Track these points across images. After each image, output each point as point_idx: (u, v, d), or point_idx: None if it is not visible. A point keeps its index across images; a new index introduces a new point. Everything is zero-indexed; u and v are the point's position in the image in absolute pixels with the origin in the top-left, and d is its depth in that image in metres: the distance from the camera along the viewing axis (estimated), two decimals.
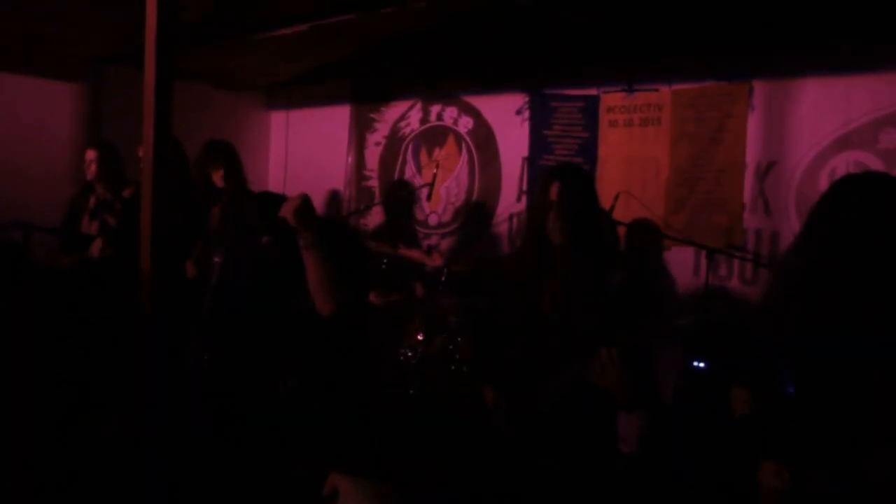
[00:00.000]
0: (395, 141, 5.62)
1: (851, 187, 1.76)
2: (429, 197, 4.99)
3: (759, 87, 4.02)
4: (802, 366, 1.74)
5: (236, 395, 2.41)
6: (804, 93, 3.88)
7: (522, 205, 4.92)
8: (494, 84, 5.03)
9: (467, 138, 5.25)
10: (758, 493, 1.74)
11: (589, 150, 4.64)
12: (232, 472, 2.32)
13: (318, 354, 2.26)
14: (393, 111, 5.63)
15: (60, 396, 2.32)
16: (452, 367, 4.10)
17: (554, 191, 2.23)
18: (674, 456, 2.97)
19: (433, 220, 5.43)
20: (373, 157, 5.75)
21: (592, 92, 4.61)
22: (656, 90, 4.36)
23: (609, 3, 3.67)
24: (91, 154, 4.07)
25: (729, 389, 1.95)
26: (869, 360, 1.65)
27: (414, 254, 4.74)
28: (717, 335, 3.43)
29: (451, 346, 4.15)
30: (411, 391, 4.05)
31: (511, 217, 4.99)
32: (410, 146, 5.54)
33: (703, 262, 3.86)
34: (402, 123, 5.58)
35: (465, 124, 5.25)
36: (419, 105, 5.48)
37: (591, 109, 4.64)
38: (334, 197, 5.95)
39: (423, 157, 5.46)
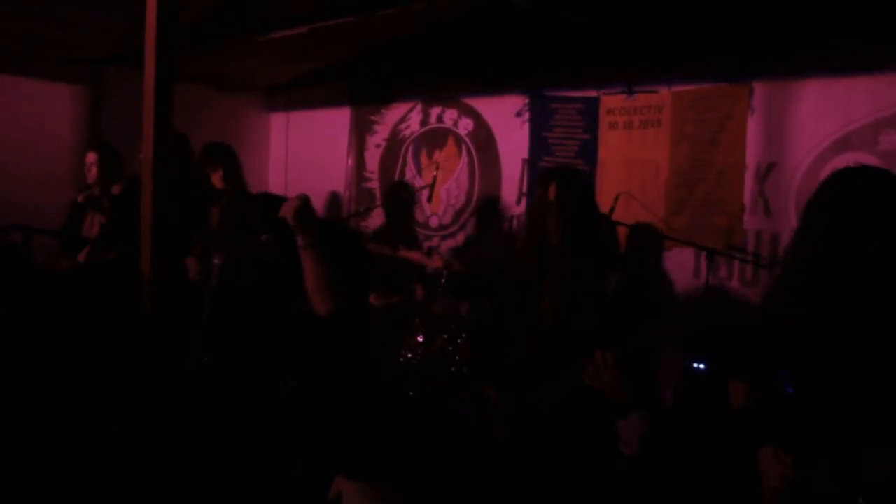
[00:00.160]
0: (395, 143, 5.62)
1: (846, 181, 1.75)
2: (429, 199, 4.99)
3: (759, 89, 4.02)
4: (801, 363, 1.74)
5: (237, 397, 2.41)
6: (804, 94, 3.88)
7: (522, 207, 4.92)
8: (494, 86, 5.04)
9: (467, 140, 5.25)
10: (758, 492, 1.73)
11: (589, 151, 4.64)
12: (234, 475, 2.31)
13: (316, 356, 2.26)
14: (393, 113, 5.63)
15: (61, 398, 2.32)
16: (453, 369, 4.10)
17: (552, 192, 2.24)
18: (674, 457, 2.97)
19: (433, 221, 5.43)
20: (373, 158, 5.75)
21: (592, 94, 4.62)
22: (656, 92, 4.36)
23: (609, 3, 3.67)
24: (91, 157, 4.08)
25: (727, 386, 1.96)
26: (867, 357, 1.65)
27: (414, 255, 4.74)
28: (717, 336, 3.42)
29: (451, 348, 4.15)
30: (412, 393, 4.05)
31: (511, 219, 4.99)
32: (410, 148, 5.54)
33: (704, 263, 3.86)
34: (403, 125, 5.58)
35: (466, 126, 5.25)
36: (419, 107, 5.48)
37: (591, 111, 4.64)
38: (334, 199, 5.95)
39: (424, 158, 5.46)
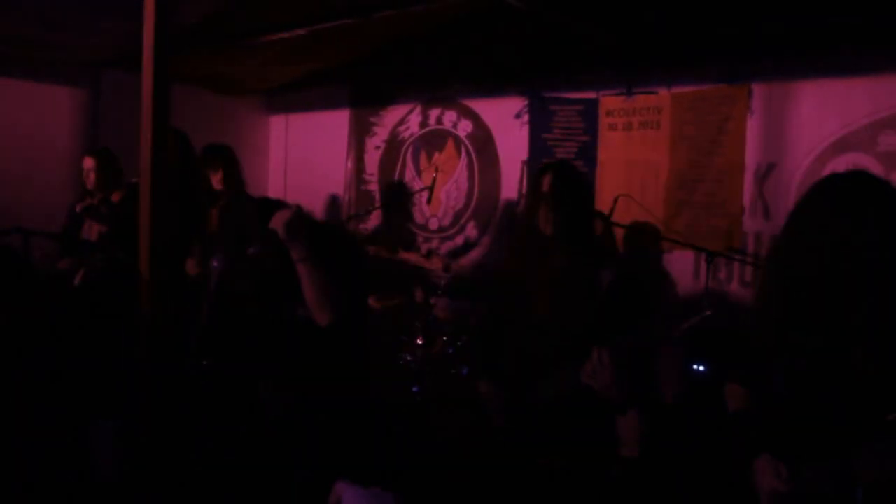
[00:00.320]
0: (394, 145, 5.62)
1: (833, 187, 1.76)
2: (429, 200, 4.99)
3: (758, 90, 4.02)
4: (793, 363, 1.74)
5: (236, 400, 2.40)
6: (803, 95, 3.88)
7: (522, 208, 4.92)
8: (494, 88, 5.04)
9: (467, 142, 5.25)
10: (756, 493, 1.73)
11: (588, 153, 4.64)
12: (233, 479, 2.31)
13: (314, 362, 2.25)
14: (392, 115, 5.63)
15: (60, 401, 2.31)
16: (453, 371, 4.09)
17: (546, 183, 2.24)
18: (674, 459, 2.96)
19: (433, 223, 5.42)
20: (372, 161, 5.75)
21: (591, 95, 4.62)
22: (655, 93, 4.36)
23: (609, 5, 3.66)
24: (89, 163, 4.07)
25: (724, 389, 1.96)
26: (857, 357, 1.65)
27: (413, 258, 4.73)
28: (717, 338, 3.42)
29: (451, 350, 4.15)
30: (412, 395, 4.04)
31: (511, 220, 4.99)
32: (410, 150, 5.54)
33: (703, 264, 3.85)
34: (402, 127, 5.58)
35: (465, 128, 5.25)
36: (418, 109, 5.49)
37: (590, 113, 4.64)
38: (334, 201, 5.95)
39: (423, 160, 5.46)
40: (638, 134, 4.45)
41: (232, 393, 2.40)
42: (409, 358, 4.16)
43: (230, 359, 2.41)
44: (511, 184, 5.02)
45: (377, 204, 5.65)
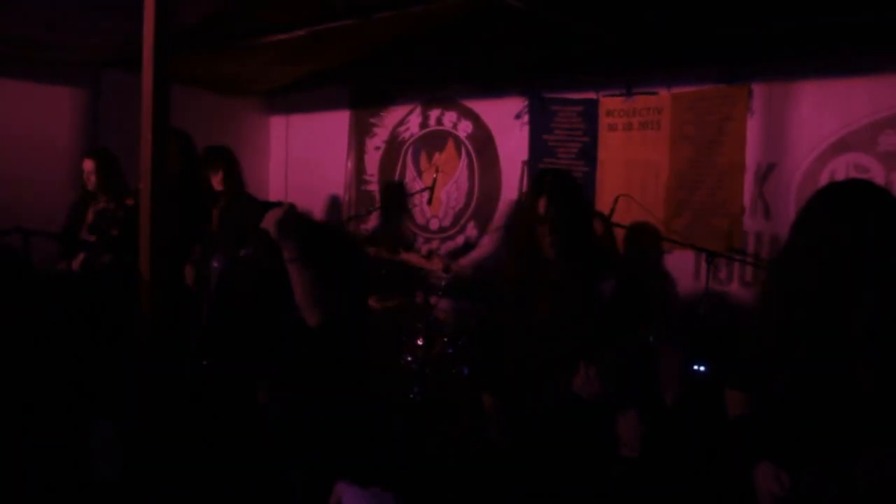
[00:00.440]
0: (394, 145, 5.62)
1: (836, 195, 1.77)
2: (429, 201, 4.99)
3: (759, 90, 4.01)
4: (794, 369, 1.74)
5: (236, 401, 2.40)
6: (803, 95, 3.88)
7: None
8: (494, 88, 5.04)
9: (467, 142, 5.25)
10: (755, 495, 1.73)
11: (589, 153, 4.64)
12: (234, 480, 2.31)
13: (313, 364, 2.25)
14: (392, 116, 5.63)
15: (59, 401, 2.31)
16: (453, 372, 4.09)
17: (541, 206, 2.19)
18: (674, 459, 2.96)
19: (434, 224, 5.42)
20: (372, 161, 5.75)
21: (592, 96, 4.62)
22: (655, 93, 4.36)
23: (609, 5, 3.67)
24: (89, 164, 4.07)
25: (724, 392, 1.96)
26: (858, 363, 1.66)
27: (414, 258, 4.73)
28: (717, 338, 3.42)
29: (451, 351, 4.15)
30: (412, 396, 4.04)
31: (511, 221, 4.99)
32: (410, 150, 5.54)
33: (704, 265, 3.85)
34: (402, 128, 5.58)
35: (465, 128, 5.25)
36: (418, 109, 5.49)
37: (590, 113, 4.64)
38: (334, 201, 5.95)
39: (423, 161, 5.46)
40: (638, 134, 4.45)
41: (232, 393, 2.40)
42: (409, 358, 4.16)
43: (230, 359, 2.41)
44: (511, 184, 5.02)
45: (377, 205, 5.65)
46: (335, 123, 5.92)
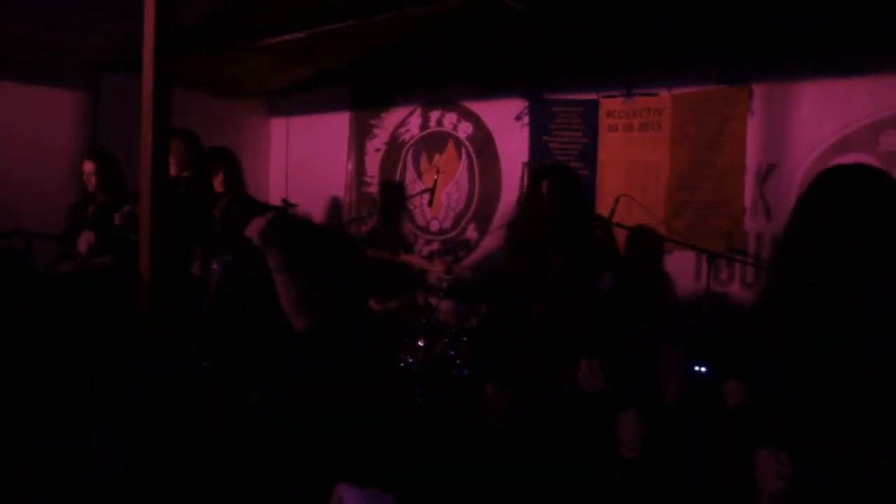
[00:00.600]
0: (394, 147, 5.62)
1: (835, 178, 1.76)
2: (430, 203, 4.99)
3: (759, 91, 4.01)
4: (794, 356, 1.74)
5: (236, 402, 2.40)
6: (804, 96, 3.88)
7: None
8: (494, 89, 5.04)
9: (467, 144, 5.25)
10: (757, 493, 1.73)
11: (589, 154, 4.64)
12: (235, 481, 2.31)
13: (296, 366, 2.24)
14: (392, 117, 5.63)
15: (60, 402, 2.32)
16: (454, 373, 4.09)
17: (544, 188, 2.24)
18: (675, 459, 2.96)
19: (434, 225, 5.42)
20: (373, 163, 5.75)
21: (592, 96, 4.62)
22: (655, 94, 4.36)
23: (609, 6, 3.67)
24: (89, 166, 4.08)
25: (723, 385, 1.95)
26: (858, 350, 1.65)
27: (415, 259, 4.73)
28: (718, 339, 3.41)
29: (452, 352, 4.14)
30: (413, 397, 4.04)
31: (511, 222, 4.99)
32: (410, 152, 5.54)
33: (704, 265, 3.85)
34: (402, 129, 5.58)
35: (465, 130, 5.25)
36: (419, 111, 5.49)
37: (590, 114, 4.64)
38: (335, 203, 5.95)
39: (424, 162, 5.46)
40: (638, 135, 4.45)
41: (232, 394, 2.40)
42: (410, 360, 4.16)
43: (229, 361, 2.41)
44: (511, 185, 5.02)
45: (378, 206, 5.65)
46: (335, 125, 5.93)
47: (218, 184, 3.81)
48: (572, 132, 4.72)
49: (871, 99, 3.66)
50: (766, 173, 4.00)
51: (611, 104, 4.55)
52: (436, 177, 5.00)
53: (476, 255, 5.18)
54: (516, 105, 4.95)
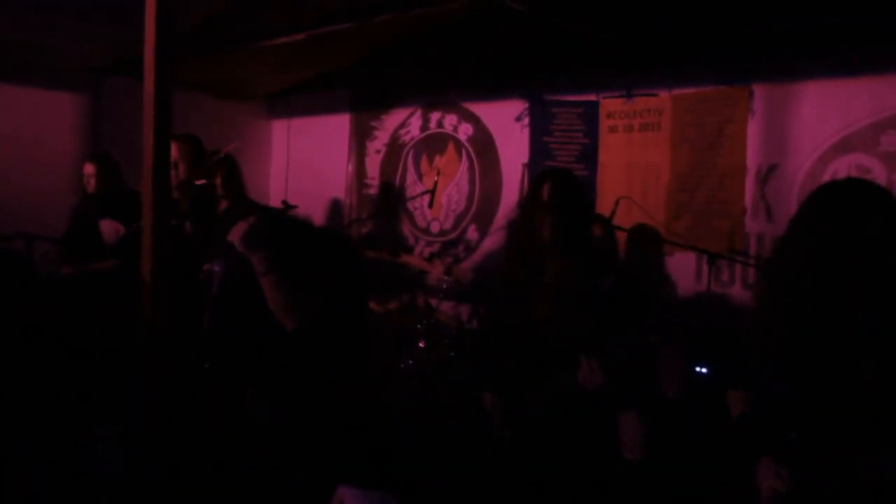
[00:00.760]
0: (395, 148, 5.62)
1: (834, 192, 1.77)
2: (430, 204, 4.99)
3: (760, 91, 4.01)
4: (795, 368, 1.74)
5: (237, 405, 2.40)
6: (805, 96, 3.88)
7: None
8: (494, 91, 5.04)
9: (467, 145, 5.25)
10: (757, 495, 1.73)
11: (589, 155, 4.64)
12: (234, 485, 2.31)
13: (288, 367, 2.24)
14: (393, 119, 5.63)
15: (64, 405, 2.32)
16: (454, 375, 4.09)
17: (546, 192, 2.25)
18: (677, 461, 2.96)
19: (435, 227, 5.42)
20: (373, 164, 5.76)
21: (592, 98, 4.62)
22: (656, 95, 4.36)
23: (609, 7, 3.67)
24: (90, 168, 4.09)
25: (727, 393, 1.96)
26: (860, 361, 1.66)
27: (415, 261, 4.73)
28: (719, 340, 3.42)
29: (452, 354, 4.14)
30: (413, 399, 4.04)
31: (512, 223, 4.99)
32: (411, 154, 5.54)
33: (705, 267, 3.85)
34: (402, 131, 5.58)
35: (465, 131, 5.25)
36: (419, 112, 5.49)
37: (590, 115, 4.64)
38: (335, 205, 5.95)
39: (424, 164, 5.46)
40: (639, 136, 4.45)
41: (232, 395, 2.40)
42: (410, 361, 4.16)
43: (230, 362, 2.41)
44: (512, 187, 5.02)
45: (379, 208, 5.65)
46: (336, 127, 5.93)
47: (217, 187, 3.81)
48: (572, 133, 4.72)
49: (872, 99, 3.66)
50: (767, 174, 4.00)
51: (611, 105, 4.55)
52: (436, 178, 5.00)
53: (476, 256, 5.18)
54: (517, 106, 4.95)
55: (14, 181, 4.67)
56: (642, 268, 4.25)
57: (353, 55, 4.82)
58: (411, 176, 5.53)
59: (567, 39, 4.05)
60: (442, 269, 4.44)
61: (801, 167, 3.89)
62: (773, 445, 1.74)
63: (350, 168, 5.89)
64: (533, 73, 4.78)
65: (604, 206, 4.21)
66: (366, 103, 5.77)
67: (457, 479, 2.73)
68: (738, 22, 3.61)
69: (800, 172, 3.89)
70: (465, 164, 5.27)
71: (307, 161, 6.15)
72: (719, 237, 4.10)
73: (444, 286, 4.38)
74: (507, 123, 5.01)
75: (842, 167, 3.76)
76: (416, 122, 5.51)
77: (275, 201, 5.57)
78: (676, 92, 4.29)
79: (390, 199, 5.58)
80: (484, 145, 5.16)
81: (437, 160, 5.38)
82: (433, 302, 4.57)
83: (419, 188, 5.38)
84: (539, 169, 4.81)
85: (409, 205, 5.47)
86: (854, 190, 1.76)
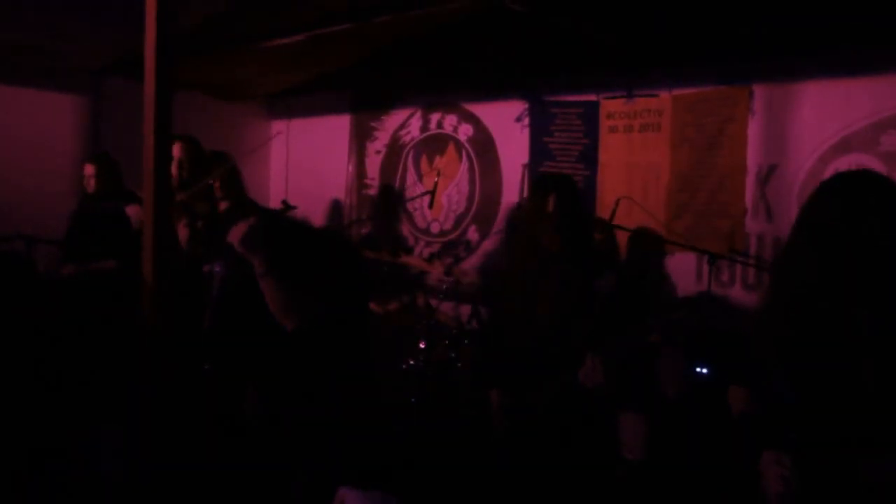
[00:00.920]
0: (395, 149, 5.62)
1: (839, 186, 1.76)
2: (430, 205, 4.99)
3: (760, 91, 4.01)
4: (796, 367, 1.74)
5: (237, 405, 2.40)
6: (805, 96, 3.88)
7: None
8: (494, 91, 5.04)
9: (467, 146, 5.25)
10: (760, 494, 1.73)
11: (589, 156, 4.64)
12: (235, 485, 2.31)
13: (288, 366, 2.24)
14: (393, 119, 5.64)
15: (61, 405, 2.32)
16: (455, 375, 4.09)
17: (551, 203, 2.29)
18: (678, 461, 2.95)
19: (435, 227, 5.43)
20: (373, 165, 5.76)
21: (592, 98, 4.62)
22: (656, 95, 4.36)
23: (609, 7, 3.67)
24: (90, 169, 4.09)
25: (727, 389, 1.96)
26: (864, 361, 1.65)
27: (415, 261, 4.73)
28: (719, 341, 3.42)
29: (453, 354, 4.14)
30: (413, 399, 4.04)
31: (512, 224, 4.99)
32: (411, 154, 5.54)
33: (705, 267, 3.85)
34: (403, 132, 5.59)
35: (466, 132, 5.26)
36: (419, 113, 5.49)
37: (590, 115, 4.64)
38: (335, 205, 5.95)
39: (424, 165, 5.46)
40: (639, 136, 4.45)
41: (233, 397, 2.40)
42: (411, 362, 4.16)
43: (230, 363, 2.41)
44: (512, 187, 5.02)
45: (379, 208, 5.65)
46: (336, 127, 5.93)
47: (216, 188, 3.81)
48: (572, 133, 4.72)
49: (872, 99, 3.66)
50: (768, 174, 4.00)
51: (611, 105, 4.55)
52: (436, 179, 5.00)
53: (476, 257, 5.18)
54: (516, 107, 4.95)
55: (14, 182, 4.67)
56: (642, 268, 4.25)
57: (353, 56, 4.82)
58: (411, 176, 5.53)
59: (567, 40, 4.05)
60: (442, 269, 4.44)
61: (801, 167, 3.89)
62: (774, 439, 1.74)
63: (350, 169, 5.89)
64: (533, 74, 4.78)
65: (604, 207, 4.21)
66: (366, 104, 5.77)
67: (457, 479, 2.73)
68: (738, 22, 3.61)
69: (800, 172, 3.89)
70: (465, 164, 5.27)
71: (307, 162, 6.15)
72: (719, 237, 4.10)
73: (444, 286, 4.38)
74: (507, 124, 5.01)
75: (842, 167, 3.75)
76: (416, 123, 5.51)
77: (275, 202, 5.56)
78: (676, 92, 4.29)
79: (390, 200, 5.58)
80: (484, 146, 5.16)
81: (438, 161, 5.38)
82: (433, 302, 4.57)
83: (419, 189, 5.38)
84: (539, 169, 4.82)
85: (409, 205, 5.47)
86: (859, 183, 1.75)
